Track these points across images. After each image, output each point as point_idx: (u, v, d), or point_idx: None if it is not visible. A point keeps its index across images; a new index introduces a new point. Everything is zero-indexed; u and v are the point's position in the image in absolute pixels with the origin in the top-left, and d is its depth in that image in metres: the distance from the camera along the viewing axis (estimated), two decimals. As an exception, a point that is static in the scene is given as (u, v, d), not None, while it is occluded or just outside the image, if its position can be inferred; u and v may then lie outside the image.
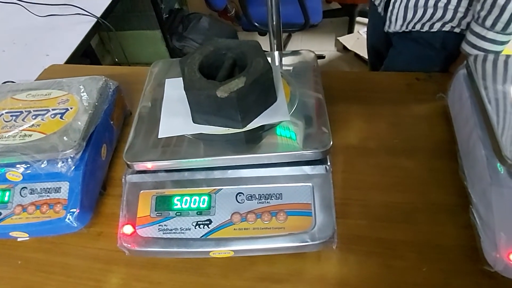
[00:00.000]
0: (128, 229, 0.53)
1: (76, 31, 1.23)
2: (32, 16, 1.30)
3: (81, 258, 0.59)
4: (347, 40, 2.29)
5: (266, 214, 0.52)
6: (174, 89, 0.62)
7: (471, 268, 0.51)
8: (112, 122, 0.70)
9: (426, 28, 0.87)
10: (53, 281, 0.57)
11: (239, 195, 0.53)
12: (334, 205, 0.51)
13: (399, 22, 0.91)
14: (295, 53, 0.71)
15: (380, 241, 0.56)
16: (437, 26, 0.86)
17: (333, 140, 0.52)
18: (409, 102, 0.74)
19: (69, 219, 0.57)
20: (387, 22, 0.94)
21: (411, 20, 0.88)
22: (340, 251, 0.54)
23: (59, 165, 0.57)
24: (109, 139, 0.69)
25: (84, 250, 0.60)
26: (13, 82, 0.88)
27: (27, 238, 0.59)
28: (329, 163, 0.54)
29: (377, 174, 0.63)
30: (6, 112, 0.64)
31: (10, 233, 0.58)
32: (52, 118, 0.62)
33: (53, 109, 0.64)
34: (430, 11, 0.84)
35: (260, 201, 0.53)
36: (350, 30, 2.37)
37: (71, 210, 0.57)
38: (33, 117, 0.63)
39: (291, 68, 0.68)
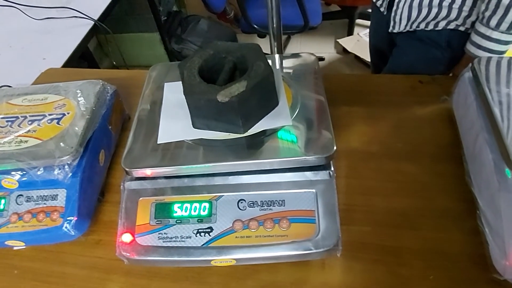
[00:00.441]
0: (127, 238, 0.51)
1: (73, 34, 1.21)
2: (28, 19, 1.28)
3: (79, 267, 0.58)
4: (346, 42, 2.29)
5: (269, 221, 0.50)
6: (173, 93, 0.61)
7: (480, 276, 0.50)
8: (110, 127, 0.68)
9: (430, 26, 0.87)
10: (50, 291, 0.56)
11: (241, 202, 0.52)
12: (338, 212, 0.50)
13: (404, 22, 0.90)
14: (296, 56, 0.69)
15: (385, 248, 0.55)
16: (442, 25, 0.85)
17: (336, 144, 0.51)
18: (412, 105, 0.73)
19: (66, 227, 0.55)
20: (391, 23, 0.93)
21: (416, 20, 0.87)
22: (345, 258, 0.53)
23: (55, 172, 0.56)
24: (107, 144, 0.67)
25: (82, 259, 0.58)
26: (9, 86, 0.87)
27: (24, 247, 0.58)
28: (332, 169, 0.52)
29: (381, 178, 0.62)
30: (1, 118, 0.63)
31: (6, 242, 0.56)
32: (49, 123, 0.61)
33: (49, 114, 0.62)
34: (434, 10, 0.83)
35: (263, 208, 0.51)
36: (350, 32, 2.36)
37: (69, 218, 0.55)
38: (29, 122, 0.61)
39: (292, 71, 0.66)
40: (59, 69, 1.02)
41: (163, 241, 0.51)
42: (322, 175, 0.52)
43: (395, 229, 0.56)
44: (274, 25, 0.87)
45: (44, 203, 0.57)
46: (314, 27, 1.82)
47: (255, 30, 1.82)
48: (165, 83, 0.64)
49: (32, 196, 0.57)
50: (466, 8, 0.80)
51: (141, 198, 0.53)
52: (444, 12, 0.82)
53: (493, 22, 0.73)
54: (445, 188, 0.60)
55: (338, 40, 2.33)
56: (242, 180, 0.53)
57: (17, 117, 0.62)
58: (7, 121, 0.62)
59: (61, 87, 0.68)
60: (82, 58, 1.63)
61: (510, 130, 0.49)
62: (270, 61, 0.54)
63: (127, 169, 0.52)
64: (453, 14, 0.82)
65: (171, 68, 0.69)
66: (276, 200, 0.51)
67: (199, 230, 0.51)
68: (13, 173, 0.56)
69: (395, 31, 0.94)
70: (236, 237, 0.50)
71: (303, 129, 0.54)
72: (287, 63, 0.69)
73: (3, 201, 0.57)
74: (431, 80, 0.77)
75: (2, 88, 0.73)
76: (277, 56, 0.70)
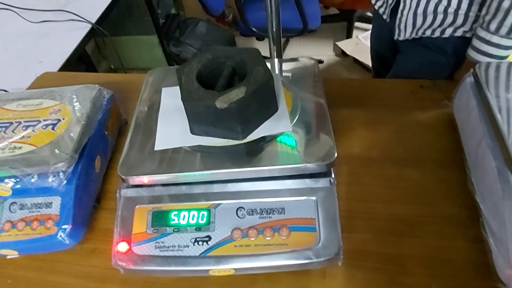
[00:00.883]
0: (122, 247, 0.50)
1: (70, 37, 1.20)
2: (25, 22, 1.27)
3: (74, 276, 0.56)
4: (345, 45, 2.28)
5: (268, 229, 0.49)
6: (171, 99, 0.60)
7: (483, 285, 0.49)
8: (106, 133, 0.67)
9: (437, 34, 0.85)
10: (44, 301, 0.54)
11: (240, 210, 0.51)
12: (339, 220, 0.49)
13: (409, 29, 0.89)
14: (295, 60, 0.68)
15: (387, 257, 0.54)
16: (448, 32, 0.84)
17: (337, 150, 0.50)
18: (413, 110, 0.72)
19: (61, 236, 0.54)
20: (396, 30, 0.92)
21: (421, 27, 0.86)
22: (346, 267, 0.52)
23: (50, 179, 0.55)
24: (103, 150, 0.66)
25: (77, 268, 0.57)
26: (5, 90, 0.86)
27: (17, 256, 0.57)
28: (333, 176, 0.51)
29: (382, 185, 0.61)
30: (-5, 123, 0.62)
31: (-1, 251, 0.55)
32: (44, 129, 0.60)
33: (44, 120, 0.61)
34: (440, 17, 0.82)
35: (262, 216, 0.50)
36: (349, 35, 2.36)
37: (63, 227, 0.54)
38: (24, 128, 0.60)
39: (292, 76, 0.65)
40: (55, 73, 1.01)
41: (160, 250, 0.50)
42: (322, 182, 0.51)
43: (397, 236, 0.55)
44: (274, 28, 0.86)
45: (38, 211, 0.55)
46: (313, 30, 1.82)
47: (253, 33, 1.82)
48: (163, 88, 0.63)
49: (26, 204, 0.56)
50: (472, 14, 0.79)
51: (137, 206, 0.52)
52: (450, 19, 0.81)
53: (493, 26, 0.72)
54: (448, 195, 0.59)
55: (337, 43, 2.32)
56: (241, 188, 0.52)
57: (11, 123, 0.61)
58: (0, 127, 0.61)
59: (57, 92, 0.67)
60: (79, 61, 1.62)
61: (513, 137, 0.48)
62: (269, 66, 0.53)
63: (123, 177, 0.51)
64: (459, 20, 0.81)
65: (168, 73, 0.68)
66: (276, 208, 0.50)
67: (197, 239, 0.50)
68: (6, 180, 0.55)
69: (400, 38, 0.93)
70: (235, 246, 0.49)
71: (303, 136, 0.53)
72: (286, 67, 0.68)
73: (-4, 209, 0.56)
74: (432, 85, 0.77)
75: (-3, 92, 0.72)
76: (276, 60, 0.69)
